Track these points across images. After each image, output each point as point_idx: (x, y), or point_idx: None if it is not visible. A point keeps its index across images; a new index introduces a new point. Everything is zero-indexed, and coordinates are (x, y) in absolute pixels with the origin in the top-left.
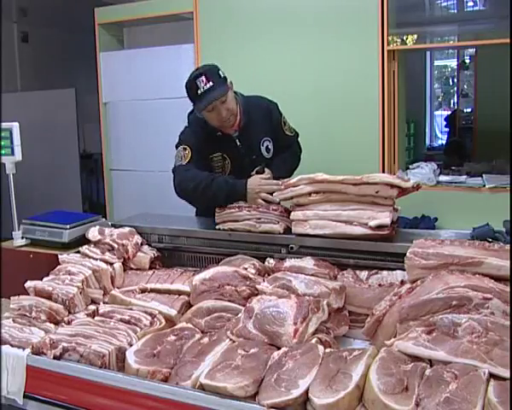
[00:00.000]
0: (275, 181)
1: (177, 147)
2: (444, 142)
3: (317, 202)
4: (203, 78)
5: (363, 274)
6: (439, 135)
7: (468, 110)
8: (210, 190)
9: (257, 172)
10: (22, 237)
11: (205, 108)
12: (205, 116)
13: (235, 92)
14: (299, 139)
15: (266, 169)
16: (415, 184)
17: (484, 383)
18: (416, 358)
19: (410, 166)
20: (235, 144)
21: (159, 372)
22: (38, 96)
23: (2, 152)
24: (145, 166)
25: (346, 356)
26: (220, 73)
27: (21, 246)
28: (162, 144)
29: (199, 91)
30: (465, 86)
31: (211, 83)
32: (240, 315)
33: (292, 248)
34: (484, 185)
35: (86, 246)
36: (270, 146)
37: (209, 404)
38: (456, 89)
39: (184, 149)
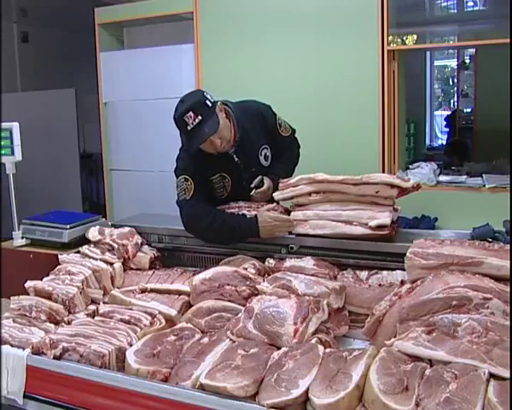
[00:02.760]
0: (285, 217)
1: (176, 175)
2: (444, 142)
3: (317, 202)
4: (191, 113)
5: (363, 274)
6: (439, 135)
7: (468, 110)
8: (222, 233)
9: (256, 187)
10: (22, 237)
11: (198, 146)
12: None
13: (225, 104)
14: (296, 135)
15: (265, 181)
16: (415, 184)
17: (484, 383)
18: (416, 358)
19: (410, 166)
20: (234, 161)
21: (159, 372)
22: (38, 96)
23: (2, 152)
24: (145, 166)
25: (346, 356)
26: (207, 102)
27: (21, 246)
28: (162, 144)
29: (188, 127)
30: (465, 86)
31: (199, 117)
32: (240, 315)
33: (292, 248)
34: (484, 185)
35: (86, 246)
36: (269, 153)
37: (209, 404)
38: (456, 89)
39: (186, 179)
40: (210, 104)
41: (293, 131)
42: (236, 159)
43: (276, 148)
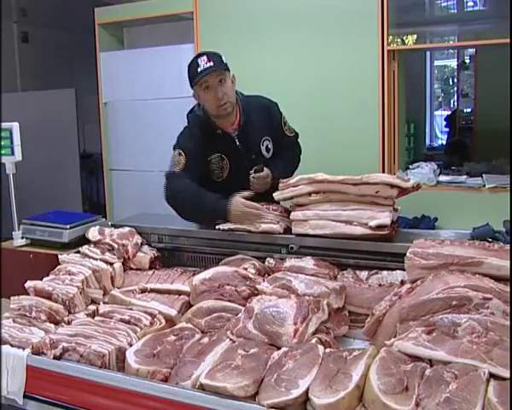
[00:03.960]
0: (257, 205)
1: (174, 149)
2: (444, 142)
3: (317, 202)
4: (204, 57)
5: (363, 274)
6: (439, 135)
7: (468, 110)
8: (197, 209)
9: (255, 171)
10: (22, 237)
11: (201, 80)
12: (202, 99)
13: (235, 92)
14: (299, 140)
15: (265, 169)
16: (415, 184)
17: (484, 383)
18: (416, 358)
19: (410, 166)
20: (235, 144)
21: (159, 372)
22: (38, 96)
23: (2, 152)
24: (145, 166)
25: (346, 356)
26: (223, 59)
27: (21, 246)
28: (162, 144)
29: (199, 69)
30: (465, 86)
31: (211, 63)
32: (240, 315)
33: (292, 248)
34: (484, 185)
35: (86, 246)
36: (270, 146)
37: (209, 404)
38: (456, 89)
39: (179, 154)
40: (224, 62)
41: (297, 134)
42: (238, 143)
43: (278, 145)
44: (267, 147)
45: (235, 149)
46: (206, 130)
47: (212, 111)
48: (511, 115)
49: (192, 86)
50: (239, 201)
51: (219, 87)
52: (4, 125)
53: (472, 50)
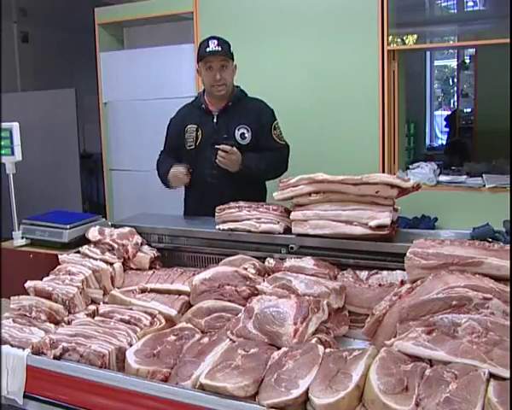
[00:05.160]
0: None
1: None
2: (444, 142)
3: (317, 202)
4: (215, 41)
5: (363, 274)
6: (439, 135)
7: (468, 110)
8: (159, 174)
9: (225, 144)
10: (22, 237)
11: (206, 58)
12: (203, 76)
13: (237, 86)
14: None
15: (234, 148)
16: (415, 184)
17: (484, 383)
18: (416, 358)
19: (410, 166)
20: (212, 121)
21: (159, 372)
22: (38, 96)
23: (2, 152)
24: (145, 166)
25: (346, 356)
26: (231, 48)
27: (21, 246)
28: (162, 144)
29: (207, 49)
30: (465, 86)
31: (219, 47)
32: (240, 315)
33: (292, 248)
34: (484, 185)
35: (86, 246)
36: (247, 135)
37: (209, 404)
38: (456, 89)
39: (167, 128)
40: (231, 51)
41: (287, 146)
42: (215, 120)
43: (262, 144)
44: (243, 134)
45: (211, 125)
46: (194, 104)
47: (207, 88)
48: (511, 115)
49: (198, 62)
50: (173, 167)
51: (220, 70)
52: (4, 125)
53: (472, 50)
